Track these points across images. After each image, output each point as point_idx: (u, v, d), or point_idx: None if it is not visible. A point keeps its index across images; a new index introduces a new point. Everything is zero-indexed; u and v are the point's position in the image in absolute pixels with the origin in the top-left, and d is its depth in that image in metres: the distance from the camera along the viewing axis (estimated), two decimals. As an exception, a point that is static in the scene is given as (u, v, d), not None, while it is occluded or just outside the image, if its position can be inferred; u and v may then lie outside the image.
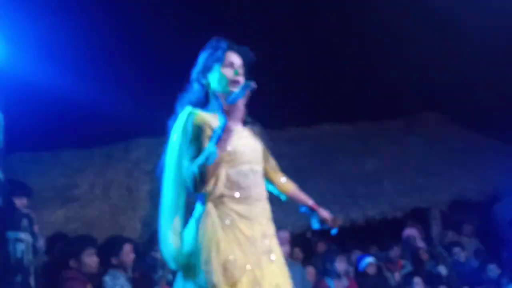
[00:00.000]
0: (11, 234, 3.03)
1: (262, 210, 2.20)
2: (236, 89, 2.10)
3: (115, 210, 6.41)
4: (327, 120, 9.47)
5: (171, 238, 2.10)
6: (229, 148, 2.05)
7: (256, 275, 2.06)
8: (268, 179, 2.38)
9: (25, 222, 3.23)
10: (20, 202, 3.84)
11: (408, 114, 10.13)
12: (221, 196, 2.10)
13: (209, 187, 2.05)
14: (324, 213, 2.57)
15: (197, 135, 2.10)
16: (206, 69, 2.24)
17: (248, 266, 2.05)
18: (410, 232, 6.83)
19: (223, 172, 2.09)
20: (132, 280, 3.78)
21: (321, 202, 7.32)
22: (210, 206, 2.09)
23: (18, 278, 2.98)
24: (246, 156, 2.16)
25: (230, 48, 2.24)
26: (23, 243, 3.15)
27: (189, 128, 2.12)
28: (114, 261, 3.74)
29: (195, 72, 2.28)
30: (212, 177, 2.04)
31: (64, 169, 7.16)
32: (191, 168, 2.04)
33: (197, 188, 2.04)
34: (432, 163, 8.34)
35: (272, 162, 2.43)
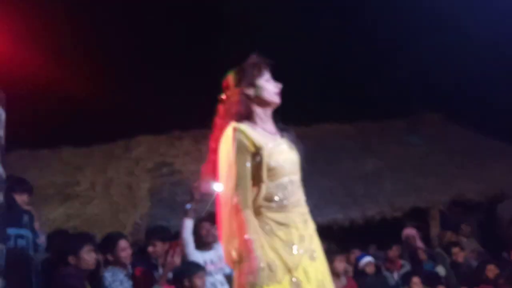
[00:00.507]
0: (12, 231, 3.06)
1: (299, 215, 2.30)
2: (279, 100, 2.31)
3: (115, 208, 6.43)
4: (327, 120, 9.48)
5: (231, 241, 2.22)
6: (272, 164, 2.19)
7: (297, 276, 2.19)
8: None
9: (25, 218, 3.26)
10: (21, 199, 3.86)
11: (408, 114, 10.13)
12: (259, 206, 2.21)
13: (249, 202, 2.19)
14: None
15: (242, 151, 2.20)
16: (249, 83, 2.32)
17: (289, 267, 2.18)
18: (409, 232, 6.85)
19: (263, 187, 2.20)
20: (132, 277, 3.80)
21: (321, 201, 7.36)
22: (249, 213, 2.18)
23: (19, 275, 3.01)
24: (285, 170, 2.26)
25: (267, 63, 2.37)
26: (24, 240, 3.17)
27: (236, 144, 2.20)
28: (110, 257, 3.75)
29: (234, 86, 2.35)
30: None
31: (64, 166, 7.20)
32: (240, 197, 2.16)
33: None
34: (432, 163, 8.35)
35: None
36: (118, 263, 3.75)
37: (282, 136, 2.36)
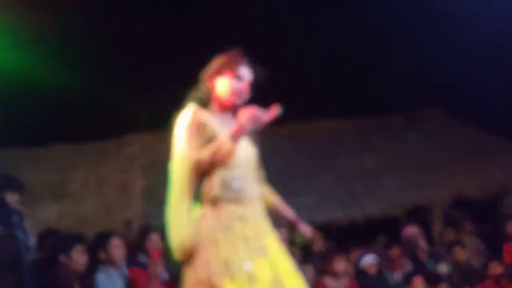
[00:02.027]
0: (1, 230, 3.00)
1: (256, 210, 2.33)
2: (235, 100, 2.33)
3: (109, 206, 6.39)
4: (326, 116, 9.44)
5: (177, 231, 2.24)
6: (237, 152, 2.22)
7: (252, 271, 2.18)
8: None
9: (15, 218, 3.20)
10: (12, 198, 3.81)
11: (408, 110, 10.11)
12: (216, 197, 2.24)
13: (206, 189, 2.24)
14: (303, 228, 2.70)
15: (197, 133, 2.26)
16: (216, 74, 2.40)
17: (245, 263, 2.17)
18: (411, 230, 6.82)
19: (218, 175, 2.23)
20: (126, 278, 3.73)
21: (319, 199, 7.34)
22: (206, 207, 2.25)
23: (10, 275, 2.96)
24: (241, 161, 2.29)
25: (245, 62, 2.41)
26: (13, 240, 3.12)
27: (192, 125, 2.27)
28: (102, 255, 3.63)
29: (205, 73, 2.44)
30: (220, 165, 2.20)
31: (57, 164, 7.14)
32: (198, 155, 2.19)
33: (202, 173, 2.22)
34: (432, 160, 8.34)
35: (260, 173, 2.53)
36: (110, 261, 3.64)
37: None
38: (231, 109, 2.39)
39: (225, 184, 2.24)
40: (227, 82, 2.36)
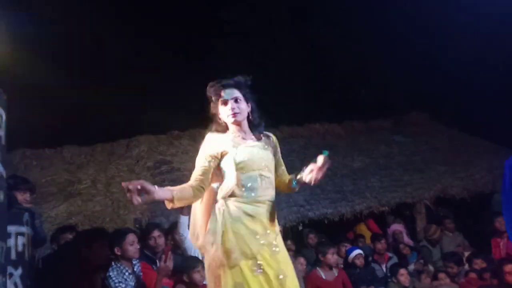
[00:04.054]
0: (12, 228, 2.95)
1: (265, 211, 2.49)
2: (235, 119, 2.52)
3: (116, 205, 6.31)
4: (318, 120, 9.44)
5: (195, 223, 2.56)
6: (240, 158, 2.47)
7: (256, 260, 2.37)
8: (276, 186, 2.64)
9: (26, 216, 3.15)
10: (23, 197, 3.76)
11: (395, 114, 10.09)
12: (231, 195, 2.46)
13: (223, 187, 2.49)
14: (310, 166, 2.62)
15: (204, 155, 2.53)
16: (212, 103, 2.60)
17: (251, 253, 2.37)
18: (397, 227, 6.81)
19: (236, 176, 2.46)
20: (136, 274, 3.64)
21: (312, 197, 7.25)
22: (221, 202, 2.47)
23: (19, 271, 2.90)
24: (255, 165, 2.49)
25: (224, 87, 2.54)
26: (25, 237, 3.07)
27: (202, 149, 2.56)
28: (117, 251, 3.55)
29: (208, 105, 2.63)
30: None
31: (66, 165, 7.07)
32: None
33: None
34: (418, 161, 8.31)
35: (283, 169, 2.72)
36: (124, 257, 3.55)
37: (257, 139, 2.60)
38: (239, 125, 2.56)
39: (240, 185, 2.45)
40: (221, 111, 2.55)
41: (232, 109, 2.51)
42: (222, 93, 2.53)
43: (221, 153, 2.51)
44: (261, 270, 2.36)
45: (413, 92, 11.34)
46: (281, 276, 2.38)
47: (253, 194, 2.46)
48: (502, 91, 9.56)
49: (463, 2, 8.47)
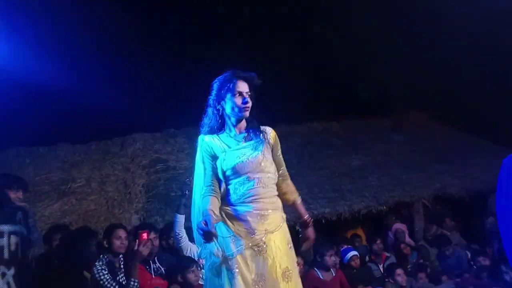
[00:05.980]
0: (5, 227, 2.94)
1: (257, 210, 2.52)
2: (245, 113, 2.55)
3: (111, 203, 6.30)
4: (316, 118, 9.45)
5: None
6: (224, 167, 2.55)
7: (257, 250, 2.46)
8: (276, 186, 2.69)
9: (19, 215, 3.14)
10: (16, 196, 3.74)
11: (394, 113, 10.11)
12: (226, 198, 2.57)
13: (222, 192, 2.59)
14: (310, 231, 2.83)
15: (204, 158, 2.61)
16: (220, 98, 2.58)
17: (248, 244, 2.45)
18: (399, 227, 6.81)
19: (229, 182, 2.55)
20: (123, 271, 3.67)
21: (309, 196, 7.24)
22: (222, 205, 2.57)
23: (12, 271, 2.89)
24: (245, 168, 2.53)
25: (238, 78, 2.57)
26: (18, 236, 3.05)
27: (200, 153, 2.62)
28: (105, 244, 3.70)
29: (210, 100, 2.63)
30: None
31: (61, 163, 7.04)
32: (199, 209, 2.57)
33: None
34: (416, 160, 8.32)
35: (282, 170, 2.75)
36: (111, 251, 3.67)
37: (248, 139, 2.62)
38: (242, 121, 2.60)
39: (230, 189, 2.54)
40: (233, 102, 2.54)
41: (246, 102, 2.55)
42: (240, 84, 2.55)
43: (213, 156, 2.60)
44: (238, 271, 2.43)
45: (412, 91, 11.37)
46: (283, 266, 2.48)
47: (240, 197, 2.53)
48: (501, 91, 9.59)
49: (463, 2, 8.49)
